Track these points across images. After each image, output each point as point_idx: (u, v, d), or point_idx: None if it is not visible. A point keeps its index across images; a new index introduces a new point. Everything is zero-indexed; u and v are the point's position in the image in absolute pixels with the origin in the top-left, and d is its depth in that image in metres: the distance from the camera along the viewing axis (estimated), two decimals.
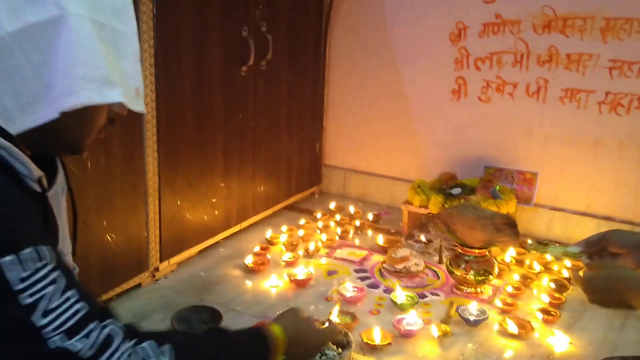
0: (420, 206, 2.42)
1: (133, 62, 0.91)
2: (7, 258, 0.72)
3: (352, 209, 2.71)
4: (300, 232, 2.42)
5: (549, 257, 2.17)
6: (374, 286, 2.05)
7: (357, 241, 2.45)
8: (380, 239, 2.36)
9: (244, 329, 1.06)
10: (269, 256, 2.23)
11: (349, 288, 1.95)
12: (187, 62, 2.03)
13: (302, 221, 2.58)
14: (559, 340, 1.70)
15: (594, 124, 2.29)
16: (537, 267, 2.13)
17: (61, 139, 0.88)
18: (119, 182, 1.83)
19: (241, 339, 1.01)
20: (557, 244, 1.47)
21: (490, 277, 1.96)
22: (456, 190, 2.38)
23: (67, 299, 0.76)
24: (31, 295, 0.73)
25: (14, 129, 0.80)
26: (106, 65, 0.84)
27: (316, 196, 3.02)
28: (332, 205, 2.78)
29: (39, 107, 0.81)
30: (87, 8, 0.82)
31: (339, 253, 2.31)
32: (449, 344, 1.70)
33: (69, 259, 1.08)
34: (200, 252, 2.26)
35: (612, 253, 1.21)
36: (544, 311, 1.83)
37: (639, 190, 2.27)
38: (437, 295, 1.99)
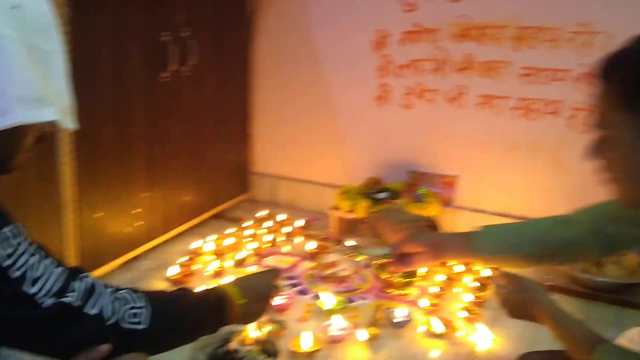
0: (348, 211, 2.45)
1: (62, 81, 0.93)
2: None
3: (281, 216, 2.70)
4: (228, 241, 2.38)
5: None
6: (303, 293, 2.04)
7: (286, 248, 2.44)
8: (310, 245, 2.36)
9: (202, 290, 1.20)
10: (195, 267, 2.17)
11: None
12: (105, 68, 1.96)
13: (230, 230, 2.54)
14: (481, 338, 1.76)
15: (509, 128, 2.40)
16: (460, 268, 2.20)
17: None
18: (33, 194, 1.73)
19: (207, 302, 1.14)
20: (368, 248, 1.59)
21: (415, 279, 2.01)
22: (382, 195, 2.42)
23: (47, 267, 0.87)
24: (18, 268, 0.83)
25: None
26: (38, 85, 0.86)
27: (245, 204, 2.99)
28: (261, 213, 2.76)
29: None
30: (16, 29, 0.84)
31: (268, 261, 2.29)
32: (377, 346, 1.72)
33: None
34: (123, 264, 2.18)
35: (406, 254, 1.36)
36: (467, 310, 1.89)
37: (551, 190, 2.39)
38: (364, 299, 2.01)
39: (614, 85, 0.95)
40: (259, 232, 2.53)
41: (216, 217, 2.76)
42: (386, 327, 1.81)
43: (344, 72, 2.70)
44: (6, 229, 0.84)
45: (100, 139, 1.98)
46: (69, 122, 0.94)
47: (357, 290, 2.06)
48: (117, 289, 0.99)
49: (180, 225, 2.50)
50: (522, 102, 2.36)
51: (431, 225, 1.97)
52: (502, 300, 1.30)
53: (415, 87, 2.55)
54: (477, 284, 2.08)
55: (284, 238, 2.51)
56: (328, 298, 1.92)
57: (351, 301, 1.98)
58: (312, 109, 2.82)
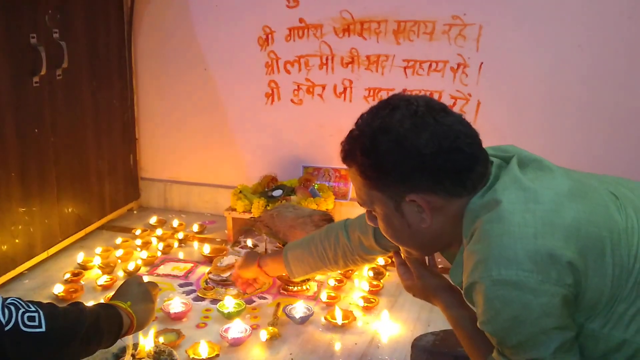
0: (244, 211, 2.41)
1: None
2: None
3: (175, 222, 2.61)
4: (118, 252, 2.26)
5: None
6: (200, 299, 1.98)
7: (181, 255, 2.35)
8: (206, 249, 2.30)
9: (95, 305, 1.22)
10: (82, 282, 2.04)
11: (174, 304, 1.86)
12: None
13: (119, 240, 2.41)
14: (380, 325, 1.80)
15: None
16: None
17: None
18: None
19: (101, 307, 1.20)
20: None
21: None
22: (277, 192, 2.41)
23: None
24: None
25: None
26: None
27: (135, 212, 2.85)
28: (153, 219, 2.65)
29: None
30: None
31: (162, 269, 2.20)
32: (278, 345, 1.70)
33: None
34: (2, 285, 2.00)
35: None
36: (365, 299, 1.93)
37: None
38: (264, 298, 1.99)
39: (355, 168, 1.08)
40: (151, 239, 2.43)
41: (104, 227, 2.61)
42: (287, 325, 1.80)
43: (231, 71, 2.65)
44: None
45: None
46: None
47: (257, 290, 2.03)
48: (5, 298, 0.99)
49: (64, 239, 2.33)
50: (406, 93, 2.43)
51: (326, 218, 1.98)
52: (405, 286, 1.35)
53: (304, 83, 2.56)
54: (372, 273, 2.13)
55: (177, 244, 2.42)
56: (227, 301, 1.87)
57: (250, 302, 1.95)
58: (201, 109, 2.74)
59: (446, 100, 2.39)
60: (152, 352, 1.51)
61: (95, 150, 2.49)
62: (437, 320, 1.85)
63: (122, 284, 1.37)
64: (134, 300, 1.28)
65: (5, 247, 2.02)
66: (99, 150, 2.52)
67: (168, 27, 2.68)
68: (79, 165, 2.40)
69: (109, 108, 2.59)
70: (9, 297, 1.00)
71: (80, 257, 2.20)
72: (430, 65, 2.38)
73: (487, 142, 1.12)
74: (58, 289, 1.96)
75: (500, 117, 2.34)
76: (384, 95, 2.47)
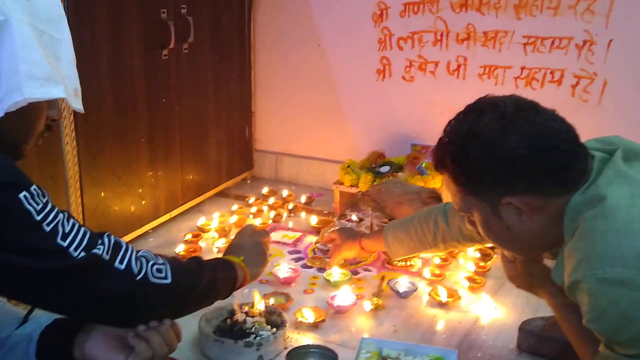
0: (351, 186, 2.46)
1: (70, 67, 1.00)
2: (23, 193, 0.86)
3: (284, 192, 2.71)
4: (233, 218, 2.40)
5: None
6: (307, 266, 2.06)
7: (290, 224, 2.45)
8: (313, 220, 2.38)
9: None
10: (201, 244, 2.19)
11: (283, 269, 1.95)
12: (103, 46, 1.95)
13: (234, 207, 2.55)
14: (485, 306, 1.78)
15: None
16: None
17: (3, 143, 0.93)
18: (36, 173, 1.74)
19: (217, 263, 1.25)
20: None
21: None
22: (384, 168, 2.43)
23: (74, 225, 0.93)
24: (49, 223, 0.88)
25: None
26: (48, 64, 0.92)
27: (248, 181, 3.00)
28: (265, 190, 2.77)
29: None
30: (27, 15, 0.90)
31: (273, 236, 2.30)
32: (382, 316, 1.74)
33: None
34: (129, 242, 2.19)
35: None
36: (470, 279, 1.91)
37: None
38: (369, 271, 2.03)
39: (447, 175, 1.04)
40: (263, 208, 2.55)
41: (220, 194, 2.77)
42: (391, 298, 1.83)
43: (344, 46, 2.68)
44: (33, 187, 0.88)
45: (101, 119, 1.99)
46: (76, 103, 1.01)
47: (361, 262, 2.08)
48: (138, 251, 1.05)
49: (185, 203, 2.51)
50: (524, 71, 2.34)
51: (434, 196, 1.97)
52: (508, 276, 1.34)
53: (416, 60, 2.53)
54: (479, 254, 2.09)
55: (287, 214, 2.52)
56: (334, 270, 1.93)
57: (356, 273, 2.00)
58: (313, 85, 2.81)
59: (569, 80, 2.27)
60: (263, 312, 1.60)
61: (214, 120, 2.64)
62: (546, 306, 1.78)
63: (236, 235, 1.49)
64: (247, 253, 1.35)
65: (134, 207, 2.21)
66: (218, 120, 2.67)
67: (285, 4, 2.75)
68: (200, 134, 2.56)
69: (228, 81, 2.72)
70: (140, 250, 1.07)
71: (200, 220, 2.36)
72: (552, 42, 2.27)
73: (613, 124, 1.08)
74: (179, 248, 2.12)
75: (629, 99, 2.18)
76: (499, 73, 2.39)
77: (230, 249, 1.41)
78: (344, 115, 2.78)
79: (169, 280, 1.04)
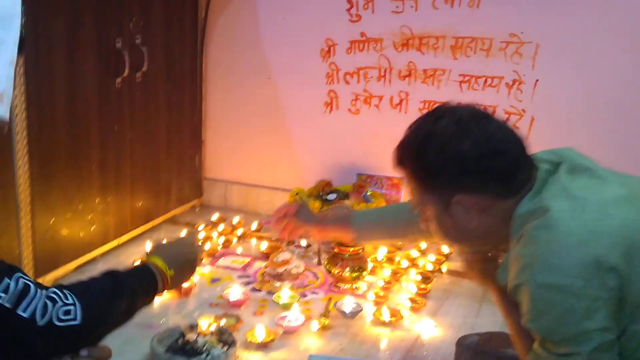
0: None
1: (2, 67, 0.92)
2: None
3: (235, 219, 2.76)
4: None
5: (414, 253, 2.39)
6: (256, 290, 2.12)
7: (239, 250, 2.50)
8: (263, 246, 2.44)
9: (130, 267, 1.26)
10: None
11: (234, 292, 2.00)
12: (59, 73, 1.99)
13: (183, 233, 2.58)
14: (425, 325, 1.89)
15: None
16: (405, 263, 2.33)
17: None
18: None
19: (132, 273, 1.20)
20: None
21: (364, 273, 2.12)
22: (332, 196, 2.53)
23: None
24: None
25: None
26: None
27: (197, 209, 3.03)
28: (215, 216, 2.81)
29: None
30: None
31: (222, 262, 2.36)
32: (329, 336, 1.81)
33: None
34: (78, 267, 2.20)
35: None
36: (412, 300, 2.02)
37: None
38: (316, 293, 2.11)
39: (407, 172, 1.19)
40: (212, 234, 2.59)
41: (169, 221, 2.79)
42: (337, 319, 1.91)
43: (293, 79, 2.80)
44: None
45: (55, 142, 2.01)
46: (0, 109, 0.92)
47: (309, 285, 2.16)
48: (47, 288, 1.00)
49: (134, 229, 2.53)
50: None
51: None
52: (467, 260, 1.40)
53: (362, 94, 2.68)
54: (420, 277, 2.21)
55: (236, 240, 2.58)
56: (283, 293, 2.00)
57: (304, 296, 2.07)
58: (263, 115, 2.91)
59: (500, 115, 2.46)
60: (214, 331, 1.65)
61: (165, 148, 2.69)
62: (482, 325, 1.92)
63: (177, 240, 1.46)
64: (178, 265, 1.28)
65: (83, 232, 2.21)
66: (169, 149, 2.72)
67: (237, 37, 2.86)
68: (151, 162, 2.59)
69: (180, 110, 2.78)
70: (50, 288, 1.01)
71: (148, 246, 2.38)
72: (485, 81, 2.46)
73: None
74: None
75: (554, 134, 2.38)
76: None
77: (161, 250, 1.33)
78: (293, 145, 2.88)
79: (77, 322, 0.99)
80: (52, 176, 2.01)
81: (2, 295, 0.90)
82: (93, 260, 2.29)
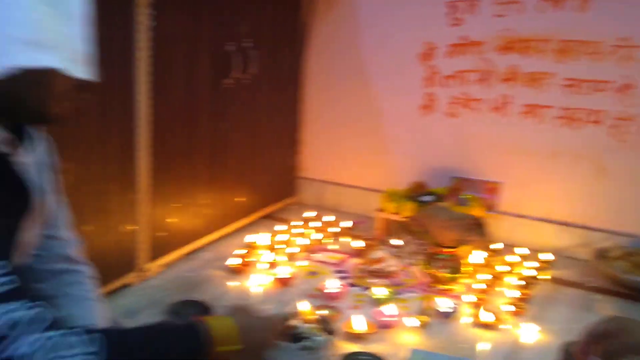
0: (393, 213, 2.57)
1: (77, 25, 0.87)
2: None
3: (328, 217, 2.83)
4: (280, 237, 2.53)
5: (514, 259, 2.35)
6: (352, 285, 2.16)
7: (334, 246, 2.56)
8: (357, 244, 2.49)
9: (180, 322, 0.97)
10: (251, 259, 2.32)
11: (332, 284, 2.06)
12: (179, 72, 2.14)
13: (280, 228, 2.68)
14: (527, 330, 1.85)
15: (552, 136, 2.50)
16: (504, 268, 2.29)
17: (20, 106, 0.86)
18: (113, 183, 1.90)
19: (173, 329, 0.94)
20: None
21: (461, 274, 2.11)
22: (427, 198, 2.54)
23: None
24: None
25: None
26: (42, 27, 0.81)
27: (292, 207, 3.13)
28: (309, 214, 2.90)
29: None
30: None
31: (318, 256, 2.43)
32: (427, 333, 1.82)
33: (62, 232, 1.16)
34: (186, 254, 2.34)
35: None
36: (513, 304, 1.98)
37: (592, 197, 2.48)
38: (412, 292, 2.12)
39: None
40: (307, 231, 2.67)
41: (266, 217, 2.91)
42: (433, 317, 1.91)
43: (390, 82, 2.84)
44: None
45: (172, 136, 2.16)
46: (79, 71, 0.88)
47: (404, 284, 2.18)
48: (70, 328, 0.80)
49: (235, 222, 2.65)
50: (565, 111, 2.46)
51: (477, 223, 2.07)
52: None
53: (461, 97, 2.67)
54: (521, 282, 2.17)
55: (330, 237, 2.64)
56: (378, 289, 2.03)
57: (399, 293, 2.09)
58: (359, 117, 2.96)
59: (608, 121, 2.38)
60: (316, 319, 1.70)
61: (266, 147, 2.81)
62: None
63: (263, 318, 1.07)
64: (249, 344, 0.97)
65: (191, 223, 2.36)
66: (269, 147, 2.83)
67: (337, 42, 2.94)
68: (252, 160, 2.72)
69: (280, 111, 2.90)
70: (74, 329, 0.81)
71: (248, 238, 2.49)
72: (593, 85, 2.38)
73: None
74: (231, 261, 2.25)
75: None
76: (541, 112, 2.51)
77: (242, 325, 0.99)
78: (387, 147, 2.91)
79: None
80: (169, 168, 2.16)
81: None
82: (200, 249, 2.43)
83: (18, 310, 0.76)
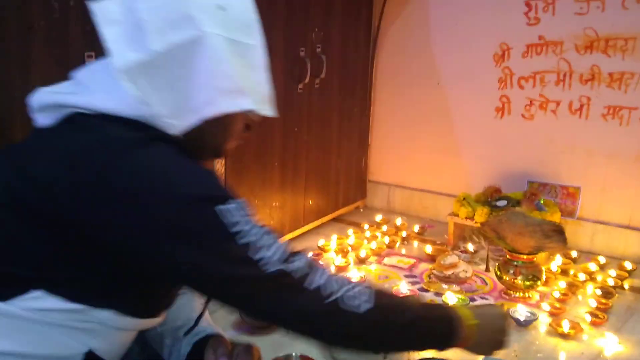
0: (466, 218, 2.53)
1: (261, 72, 1.02)
2: (220, 207, 0.88)
3: (398, 220, 2.82)
4: (350, 240, 2.54)
5: (593, 266, 2.25)
6: (424, 290, 2.15)
7: (403, 250, 2.55)
8: (428, 249, 2.47)
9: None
10: (321, 262, 2.35)
11: (403, 288, 2.05)
12: None
13: (350, 231, 2.70)
14: (608, 341, 1.78)
15: (636, 139, 2.38)
16: (582, 276, 2.21)
17: (204, 146, 1.00)
18: None
19: (434, 309, 1.11)
20: None
21: (539, 282, 2.05)
22: (502, 203, 2.48)
23: (270, 240, 0.91)
24: (242, 237, 0.88)
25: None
26: (238, 77, 0.95)
27: (361, 210, 3.15)
28: (379, 217, 2.90)
29: (183, 116, 0.93)
30: (220, 27, 0.94)
31: (388, 260, 2.42)
32: None
33: None
34: None
35: None
36: (592, 314, 1.91)
37: None
38: (486, 299, 2.08)
39: None
40: (376, 234, 2.67)
41: (336, 220, 2.93)
42: (510, 326, 1.87)
43: (464, 84, 2.79)
44: (230, 202, 0.90)
45: (246, 141, 2.21)
46: (267, 110, 1.02)
47: (477, 290, 2.14)
48: (333, 274, 0.97)
49: (306, 224, 2.69)
50: None
51: (557, 229, 2.00)
52: None
53: (537, 99, 2.59)
54: (601, 292, 2.08)
55: (400, 241, 2.63)
56: (451, 296, 2.01)
57: (473, 300, 2.06)
58: (430, 120, 2.93)
59: None
60: None
61: (336, 150, 2.83)
62: None
63: (490, 306, 1.32)
64: (486, 326, 1.10)
65: (265, 223, 2.41)
66: (339, 151, 2.86)
67: (407, 44, 2.93)
68: (322, 163, 2.75)
69: (350, 115, 2.92)
70: (338, 275, 0.98)
71: (320, 241, 2.52)
72: None
73: None
74: None
75: None
76: (624, 113, 2.40)
77: (474, 309, 1.12)
78: (459, 151, 2.87)
79: (361, 310, 0.94)
80: (242, 171, 2.22)
81: (292, 265, 0.91)
82: None
83: (303, 256, 0.95)
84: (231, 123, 1.00)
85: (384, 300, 0.98)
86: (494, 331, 1.12)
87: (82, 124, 0.91)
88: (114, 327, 0.98)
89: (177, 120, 0.93)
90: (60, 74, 1.02)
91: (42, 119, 0.96)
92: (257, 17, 1.02)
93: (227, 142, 1.03)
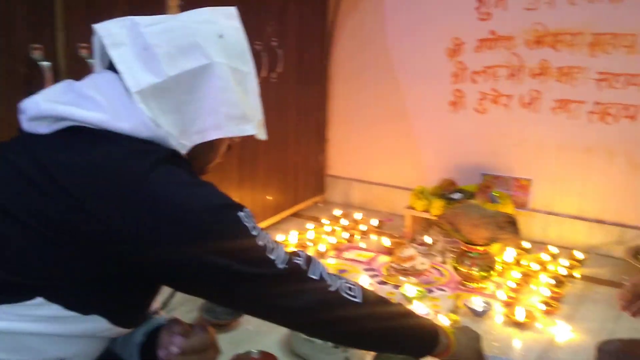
0: (423, 210, 2.56)
1: (256, 98, 1.08)
2: (240, 212, 0.96)
3: (357, 215, 2.83)
4: (310, 235, 2.54)
5: (545, 256, 2.32)
6: (383, 283, 2.17)
7: (363, 244, 2.57)
8: (386, 242, 2.49)
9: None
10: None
11: (362, 282, 2.06)
12: None
13: (309, 226, 2.69)
14: (560, 329, 1.83)
15: (585, 132, 2.46)
16: (535, 266, 2.27)
17: (194, 165, 1.05)
18: None
19: (419, 319, 1.20)
20: None
21: (493, 272, 2.10)
22: (457, 195, 2.52)
23: (275, 243, 1.00)
24: (260, 239, 0.97)
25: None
26: (241, 103, 1.02)
27: (320, 205, 3.14)
28: (337, 212, 2.90)
29: (189, 138, 1.00)
30: (223, 56, 1.00)
31: (347, 254, 2.43)
32: None
33: None
34: None
35: None
36: (545, 303, 1.96)
37: (627, 193, 2.43)
38: (443, 290, 2.11)
39: None
40: (336, 228, 2.68)
41: (295, 215, 2.92)
42: (465, 316, 1.90)
43: (418, 79, 2.82)
44: (245, 209, 0.98)
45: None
46: (262, 134, 1.10)
47: (434, 282, 2.17)
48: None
49: (264, 220, 2.67)
50: (598, 106, 2.41)
51: (510, 220, 2.05)
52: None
53: (490, 93, 2.64)
54: (554, 281, 2.14)
55: (359, 235, 2.64)
56: (409, 288, 2.03)
57: (430, 292, 2.09)
58: (386, 114, 2.95)
59: None
60: None
61: (294, 146, 2.82)
62: (621, 331, 1.83)
63: (467, 329, 1.35)
64: (464, 344, 1.25)
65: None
66: (297, 146, 2.85)
67: (362, 39, 2.93)
68: (280, 159, 2.73)
69: (307, 109, 2.90)
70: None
71: (279, 236, 2.51)
72: (627, 79, 2.34)
73: None
74: None
75: None
76: (573, 107, 2.47)
77: (455, 330, 1.28)
78: (415, 144, 2.90)
79: (359, 300, 1.05)
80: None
81: (298, 259, 1.01)
82: None
83: (301, 253, 1.05)
84: (219, 144, 1.08)
85: (371, 294, 1.10)
86: (469, 347, 1.26)
87: (99, 137, 0.92)
88: (96, 336, 0.99)
89: (185, 141, 1.00)
90: None
91: (34, 127, 0.96)
92: (248, 45, 1.09)
93: (212, 162, 1.11)
